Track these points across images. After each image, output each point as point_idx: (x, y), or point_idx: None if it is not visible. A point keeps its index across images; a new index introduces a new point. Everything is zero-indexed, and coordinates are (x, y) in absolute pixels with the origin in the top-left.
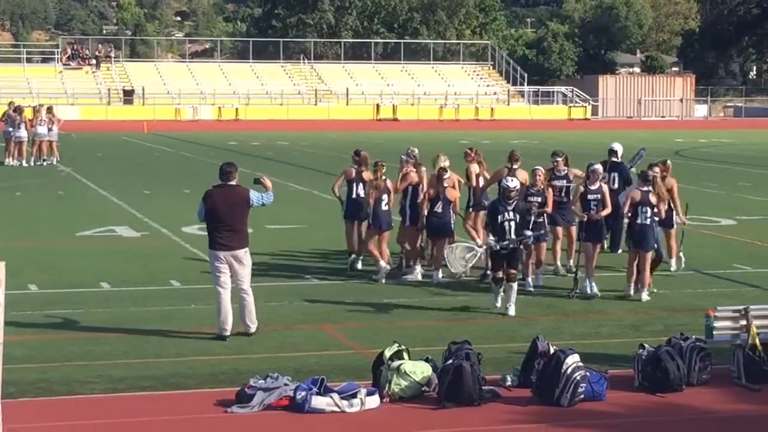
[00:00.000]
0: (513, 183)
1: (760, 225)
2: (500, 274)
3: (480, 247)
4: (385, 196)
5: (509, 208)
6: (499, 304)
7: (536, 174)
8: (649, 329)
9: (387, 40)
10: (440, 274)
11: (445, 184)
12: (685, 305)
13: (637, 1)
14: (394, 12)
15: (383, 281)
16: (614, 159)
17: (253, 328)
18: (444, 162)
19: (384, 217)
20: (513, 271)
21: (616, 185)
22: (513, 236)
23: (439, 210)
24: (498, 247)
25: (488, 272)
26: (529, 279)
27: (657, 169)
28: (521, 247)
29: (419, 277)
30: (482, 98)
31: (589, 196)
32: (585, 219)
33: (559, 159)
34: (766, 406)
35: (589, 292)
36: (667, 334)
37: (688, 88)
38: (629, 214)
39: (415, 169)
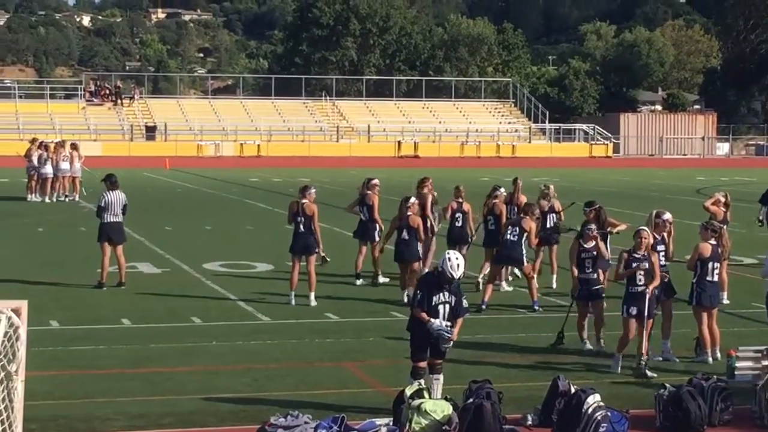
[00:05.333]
0: (459, 272)
1: None
2: (422, 365)
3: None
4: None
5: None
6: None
7: (641, 237)
8: (671, 369)
9: (409, 78)
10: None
11: (408, 213)
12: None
13: (658, 39)
14: (416, 50)
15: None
16: None
17: None
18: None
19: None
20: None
21: None
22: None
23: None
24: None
25: (483, 306)
26: (601, 342)
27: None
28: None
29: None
30: (503, 135)
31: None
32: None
33: (586, 210)
34: None
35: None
36: (688, 374)
37: (709, 126)
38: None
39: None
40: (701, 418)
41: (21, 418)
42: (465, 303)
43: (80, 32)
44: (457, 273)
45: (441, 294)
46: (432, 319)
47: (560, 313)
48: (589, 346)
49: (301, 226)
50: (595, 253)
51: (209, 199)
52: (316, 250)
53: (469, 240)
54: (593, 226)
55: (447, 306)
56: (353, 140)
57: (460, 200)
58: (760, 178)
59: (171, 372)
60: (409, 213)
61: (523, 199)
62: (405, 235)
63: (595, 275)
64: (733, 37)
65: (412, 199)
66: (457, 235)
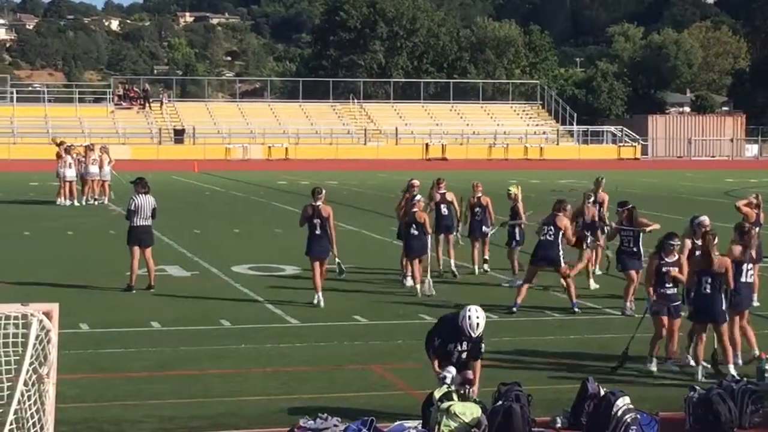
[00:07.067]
0: (478, 331)
1: None
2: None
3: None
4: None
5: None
6: None
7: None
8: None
9: (437, 80)
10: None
11: (414, 209)
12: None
13: (686, 41)
14: (444, 52)
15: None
16: None
17: None
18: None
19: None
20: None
21: None
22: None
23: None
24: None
25: (514, 309)
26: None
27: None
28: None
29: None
30: (531, 138)
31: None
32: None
33: (619, 209)
34: None
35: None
36: (718, 376)
37: (738, 127)
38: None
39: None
40: (731, 420)
41: (52, 421)
42: (483, 347)
43: (109, 36)
44: (476, 332)
45: (458, 344)
46: (439, 371)
47: (591, 315)
48: (653, 367)
49: (318, 229)
50: (676, 268)
51: (237, 202)
52: (329, 254)
53: (488, 232)
54: (676, 242)
55: (463, 354)
56: (381, 143)
57: (479, 195)
58: None
59: (200, 375)
60: (414, 209)
61: (605, 196)
62: (413, 230)
63: (675, 290)
64: (762, 38)
65: (418, 197)
66: (476, 228)
